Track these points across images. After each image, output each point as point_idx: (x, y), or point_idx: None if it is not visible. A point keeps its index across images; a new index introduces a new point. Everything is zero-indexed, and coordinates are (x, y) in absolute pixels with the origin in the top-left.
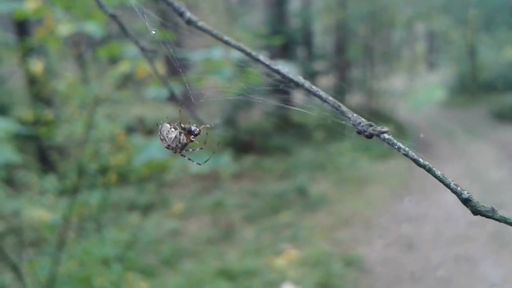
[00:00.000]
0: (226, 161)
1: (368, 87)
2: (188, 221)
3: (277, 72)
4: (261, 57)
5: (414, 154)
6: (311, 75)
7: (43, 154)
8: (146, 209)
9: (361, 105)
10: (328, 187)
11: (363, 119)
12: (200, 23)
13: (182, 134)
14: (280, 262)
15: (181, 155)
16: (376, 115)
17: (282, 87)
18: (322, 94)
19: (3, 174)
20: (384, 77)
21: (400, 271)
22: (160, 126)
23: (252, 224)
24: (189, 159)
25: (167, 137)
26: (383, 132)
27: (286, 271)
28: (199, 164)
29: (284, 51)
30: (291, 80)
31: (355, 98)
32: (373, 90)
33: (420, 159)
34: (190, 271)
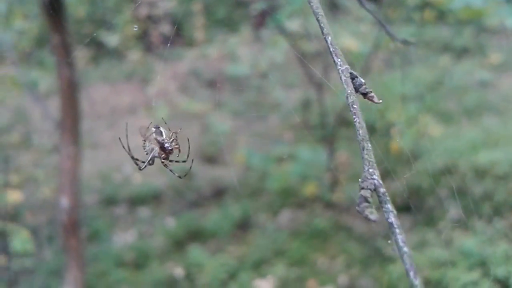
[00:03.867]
0: None
1: None
2: (503, 75)
3: None
4: None
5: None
6: None
7: None
8: (460, 54)
9: None
10: None
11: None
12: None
13: (156, 148)
14: None
15: (163, 164)
16: None
17: None
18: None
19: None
20: None
21: None
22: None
23: None
24: (171, 170)
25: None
26: (367, 93)
27: None
28: (179, 177)
29: None
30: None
31: None
32: None
33: None
34: (491, 127)
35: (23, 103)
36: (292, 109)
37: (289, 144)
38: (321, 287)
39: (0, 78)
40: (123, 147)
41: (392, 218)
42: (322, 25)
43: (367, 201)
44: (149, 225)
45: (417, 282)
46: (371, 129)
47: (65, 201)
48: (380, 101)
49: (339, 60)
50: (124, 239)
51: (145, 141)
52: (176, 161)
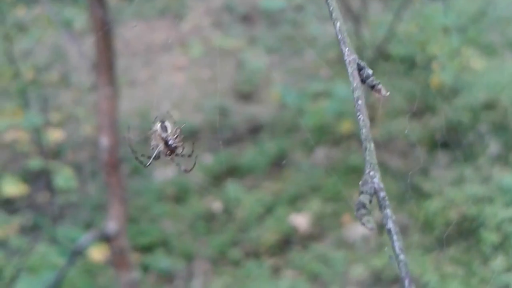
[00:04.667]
0: None
1: None
2: None
3: None
4: None
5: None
6: None
7: None
8: None
9: None
10: None
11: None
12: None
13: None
14: None
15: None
16: None
17: None
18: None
19: None
20: None
21: None
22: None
23: None
24: (177, 164)
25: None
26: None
27: None
28: (185, 171)
29: None
30: None
31: None
32: None
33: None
34: None
35: (60, 42)
36: (328, 44)
37: (326, 80)
38: (355, 222)
39: (35, 17)
40: (129, 145)
41: (391, 225)
42: (331, 8)
43: (365, 207)
44: (188, 161)
45: None
46: (412, 63)
47: (104, 141)
48: (388, 93)
49: (347, 49)
50: (164, 174)
51: (151, 136)
52: (182, 155)
